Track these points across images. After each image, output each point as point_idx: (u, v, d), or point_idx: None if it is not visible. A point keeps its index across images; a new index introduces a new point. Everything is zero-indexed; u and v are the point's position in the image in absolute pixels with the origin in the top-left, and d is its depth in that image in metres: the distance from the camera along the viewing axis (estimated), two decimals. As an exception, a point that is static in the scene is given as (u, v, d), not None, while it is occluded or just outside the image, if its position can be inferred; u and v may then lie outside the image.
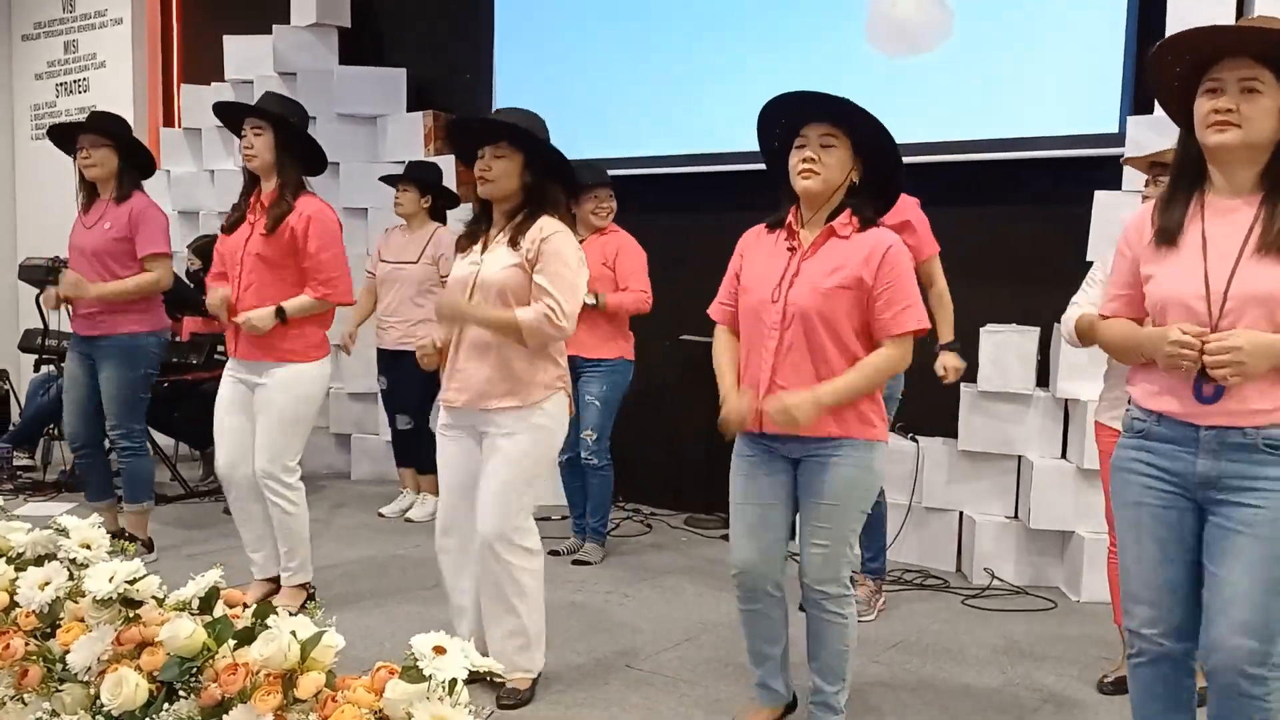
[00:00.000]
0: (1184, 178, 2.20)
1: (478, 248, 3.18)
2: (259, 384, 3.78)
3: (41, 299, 4.58)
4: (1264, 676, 2.07)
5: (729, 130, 5.20)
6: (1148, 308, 2.24)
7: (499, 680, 3.11)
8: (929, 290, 3.89)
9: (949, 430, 4.73)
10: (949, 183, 4.78)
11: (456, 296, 3.09)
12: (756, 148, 2.81)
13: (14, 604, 2.10)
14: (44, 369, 6.18)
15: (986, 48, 4.69)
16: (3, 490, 5.75)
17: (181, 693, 1.79)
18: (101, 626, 1.93)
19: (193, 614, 1.89)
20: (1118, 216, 4.18)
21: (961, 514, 4.72)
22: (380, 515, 5.51)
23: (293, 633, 1.74)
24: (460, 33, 6.44)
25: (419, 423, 5.37)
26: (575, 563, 4.67)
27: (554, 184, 3.16)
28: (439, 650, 1.65)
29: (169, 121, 7.63)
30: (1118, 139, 4.36)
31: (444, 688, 1.61)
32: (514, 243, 3.08)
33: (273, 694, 1.68)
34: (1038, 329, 4.53)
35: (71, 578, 2.08)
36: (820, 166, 2.61)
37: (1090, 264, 4.39)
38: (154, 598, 1.95)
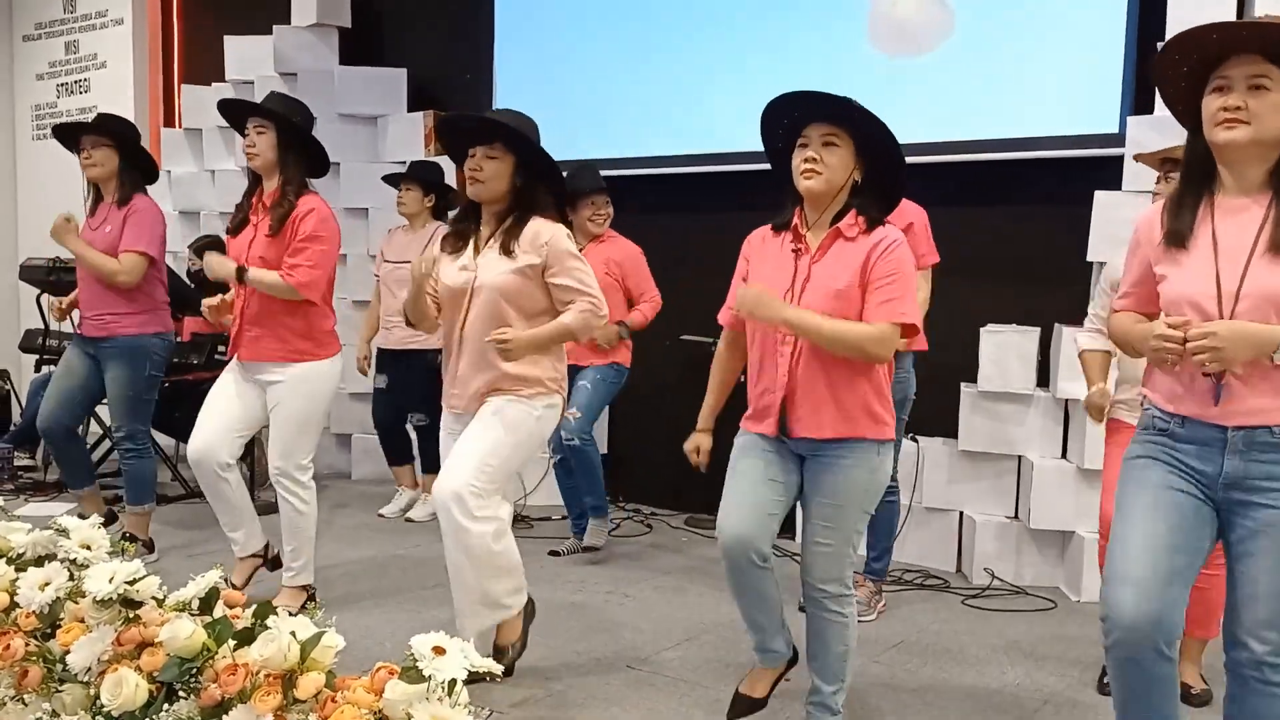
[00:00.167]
0: (1193, 178, 2.20)
1: (468, 250, 3.16)
2: (271, 382, 3.76)
3: (48, 310, 4.58)
4: None
5: (730, 130, 5.20)
6: (1163, 308, 2.23)
7: (499, 680, 3.11)
8: None
9: (949, 430, 4.73)
10: (949, 183, 4.78)
11: (516, 335, 3.01)
12: (757, 148, 2.80)
13: (14, 604, 2.11)
14: (45, 369, 6.19)
15: (987, 48, 4.69)
16: (3, 490, 5.75)
17: (181, 693, 1.79)
18: (101, 627, 1.94)
19: (193, 614, 1.90)
20: (1118, 216, 4.18)
21: (962, 514, 4.72)
22: (380, 516, 5.52)
23: (292, 633, 1.74)
24: (460, 33, 6.45)
25: (434, 420, 5.35)
26: (585, 549, 4.72)
27: (543, 188, 3.16)
28: (438, 651, 1.65)
29: (170, 122, 7.63)
30: (1118, 139, 4.36)
31: (443, 688, 1.61)
32: (506, 249, 3.08)
33: (272, 694, 1.69)
34: (1038, 329, 4.53)
35: (72, 578, 2.08)
36: (823, 167, 2.60)
37: (1091, 264, 4.41)
38: (154, 598, 1.95)
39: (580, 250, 4.47)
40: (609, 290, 4.56)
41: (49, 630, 2.05)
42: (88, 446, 4.95)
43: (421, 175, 5.34)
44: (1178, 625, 2.14)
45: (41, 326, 6.15)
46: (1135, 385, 3.20)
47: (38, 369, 6.21)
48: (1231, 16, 4.02)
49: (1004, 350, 4.53)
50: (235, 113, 3.85)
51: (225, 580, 2.02)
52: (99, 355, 4.35)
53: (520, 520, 5.03)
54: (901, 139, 2.67)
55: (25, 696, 1.99)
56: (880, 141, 2.64)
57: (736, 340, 2.89)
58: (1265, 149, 2.10)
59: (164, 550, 4.71)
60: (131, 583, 1.93)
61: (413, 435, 5.57)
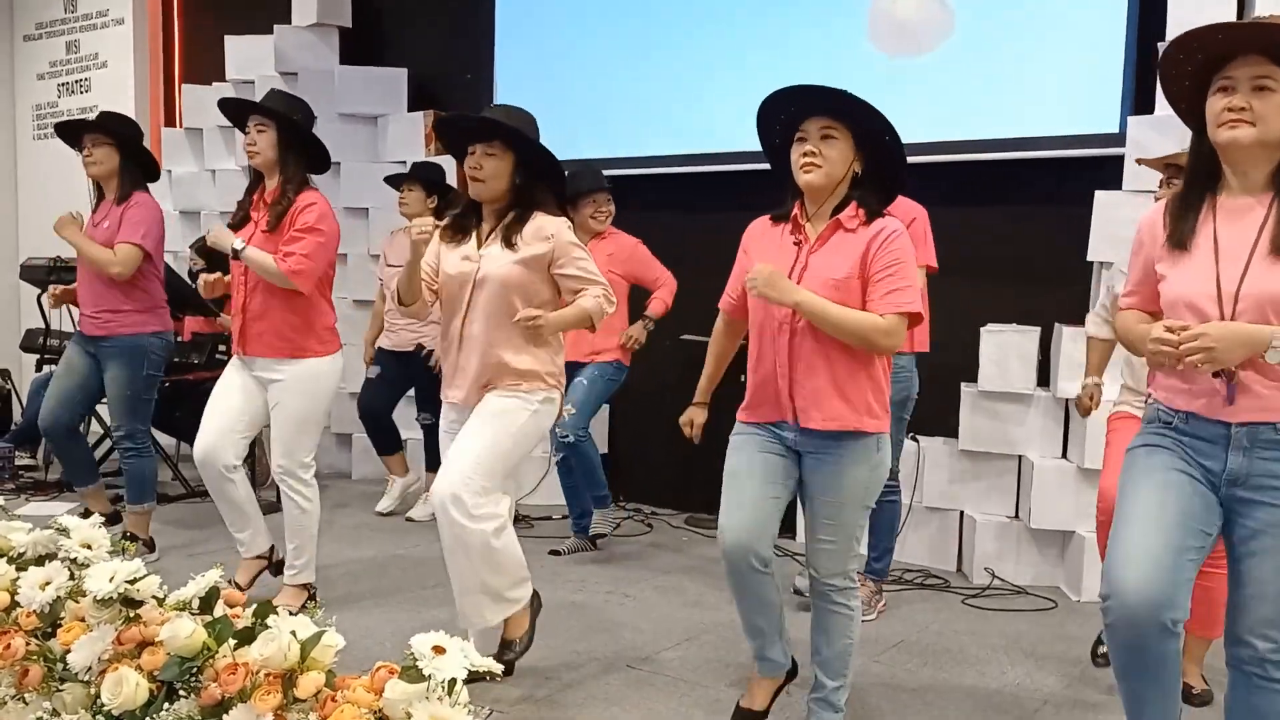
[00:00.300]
0: (1197, 179, 2.21)
1: (470, 242, 3.17)
2: (272, 380, 3.77)
3: (42, 299, 4.59)
4: None
5: (730, 130, 5.20)
6: (1164, 308, 2.24)
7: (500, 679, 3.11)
8: None
9: (950, 430, 4.73)
10: (950, 182, 4.77)
11: (536, 317, 3.03)
12: (757, 147, 2.81)
13: (15, 604, 2.11)
14: (46, 368, 6.19)
15: (987, 47, 4.69)
16: (4, 490, 5.75)
17: (182, 692, 1.80)
18: (102, 626, 1.94)
19: (193, 614, 1.90)
20: (1119, 216, 4.18)
21: (962, 514, 4.72)
22: (377, 514, 5.52)
23: (292, 633, 1.74)
24: (461, 32, 6.45)
25: (439, 419, 5.34)
26: (593, 536, 4.76)
27: (543, 186, 3.17)
28: (438, 650, 1.66)
29: (170, 121, 7.63)
30: (1118, 139, 4.36)
31: (443, 687, 1.61)
32: (509, 242, 3.09)
33: (272, 694, 1.69)
34: (1038, 329, 4.53)
35: (72, 577, 2.09)
36: (821, 160, 2.61)
37: (1091, 264, 4.41)
38: (154, 597, 1.95)
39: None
40: (614, 286, 4.59)
41: (50, 629, 2.05)
42: (89, 445, 4.94)
43: (423, 175, 5.34)
44: (1184, 604, 2.10)
45: (42, 326, 6.15)
46: (1138, 393, 3.22)
47: (38, 368, 6.21)
48: (1232, 16, 4.02)
49: (1004, 350, 4.53)
50: (236, 111, 3.85)
51: (231, 582, 2.02)
52: (98, 354, 4.36)
53: (520, 520, 5.03)
54: (902, 138, 2.68)
55: (26, 695, 2.00)
56: (879, 133, 2.64)
57: (734, 325, 2.92)
58: (1269, 150, 2.11)
59: (164, 549, 4.71)
60: (132, 582, 1.93)
61: (415, 432, 5.58)
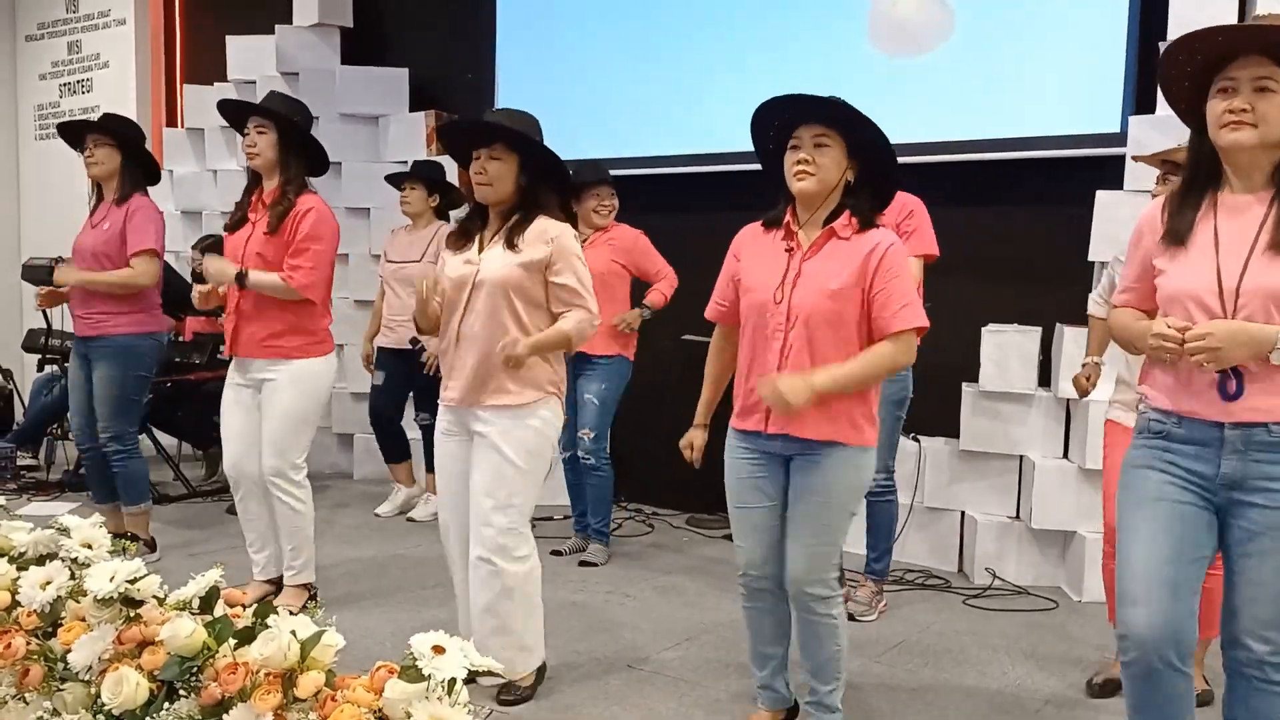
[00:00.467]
0: (1197, 177, 2.21)
1: (473, 246, 3.18)
2: (264, 380, 3.78)
3: (39, 290, 4.57)
4: None
5: (731, 130, 5.16)
6: (1159, 302, 2.24)
7: (498, 675, 3.11)
8: None
9: (950, 430, 4.73)
10: (951, 182, 4.77)
11: (510, 348, 3.03)
12: (757, 148, 2.81)
13: (16, 603, 2.11)
14: (47, 369, 6.20)
15: (988, 47, 4.69)
16: (6, 490, 5.76)
17: (182, 692, 1.79)
18: (102, 626, 1.93)
19: (193, 613, 1.89)
20: (1120, 216, 4.18)
21: (963, 514, 4.72)
22: (376, 515, 5.52)
23: (293, 632, 1.74)
24: (462, 32, 6.45)
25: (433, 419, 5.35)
26: (581, 564, 4.67)
27: (549, 187, 3.17)
28: (438, 650, 1.65)
29: (172, 122, 7.64)
30: (1119, 138, 4.36)
31: (443, 687, 1.61)
32: (511, 244, 3.09)
33: (272, 693, 1.69)
34: (1039, 329, 4.53)
35: (73, 577, 2.08)
36: (815, 168, 2.62)
37: (1092, 264, 4.41)
38: (154, 597, 1.95)
39: (585, 241, 4.52)
40: (617, 279, 4.61)
41: (50, 629, 2.05)
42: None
43: (425, 174, 5.35)
44: (1191, 637, 2.15)
45: (44, 326, 6.15)
46: (1134, 388, 3.20)
47: (40, 369, 6.22)
48: (1233, 16, 4.02)
49: (1005, 350, 4.53)
50: (236, 113, 3.86)
51: (244, 584, 2.02)
52: (89, 354, 4.36)
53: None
54: (903, 139, 2.69)
55: (26, 695, 1.99)
56: (871, 141, 2.65)
57: (730, 335, 2.90)
58: (1270, 150, 2.11)
59: (165, 549, 4.72)
60: (132, 582, 1.92)
61: (417, 434, 5.58)
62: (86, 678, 1.92)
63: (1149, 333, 2.13)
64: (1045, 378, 4.58)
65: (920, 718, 3.16)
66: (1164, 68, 2.19)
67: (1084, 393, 3.54)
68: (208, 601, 1.92)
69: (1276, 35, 2.04)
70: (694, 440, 2.98)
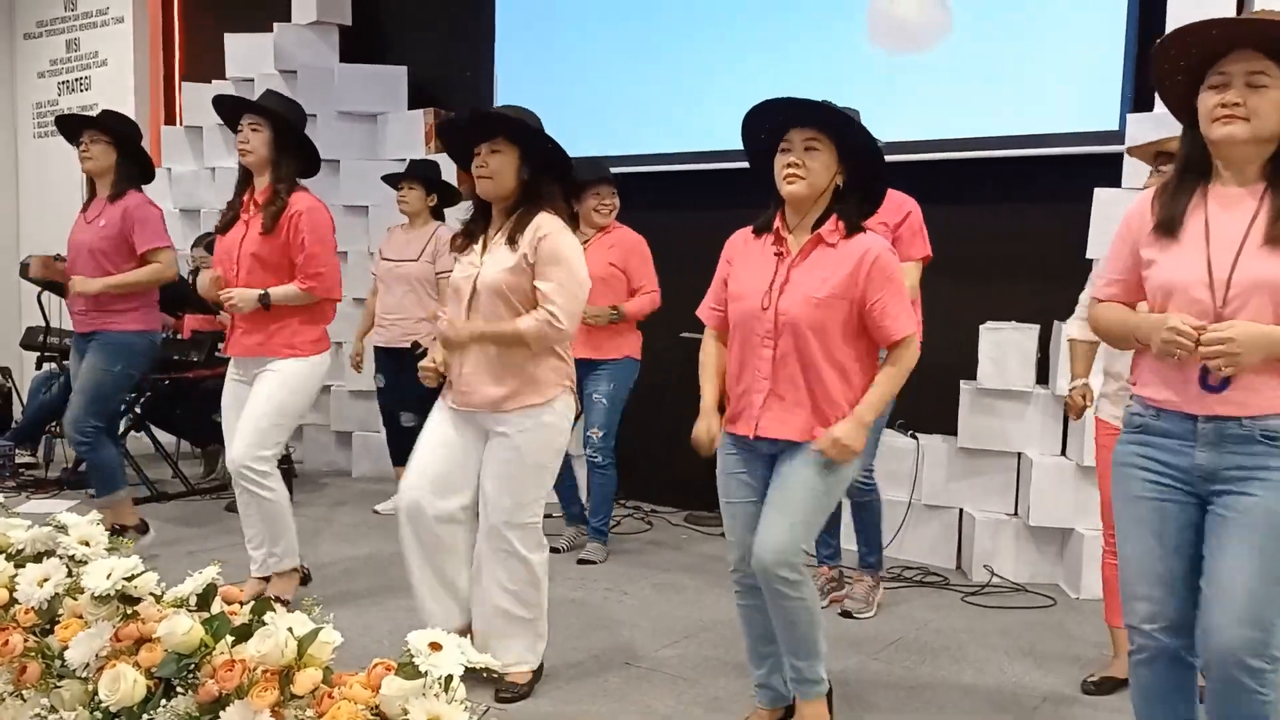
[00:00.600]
0: (1189, 170, 2.20)
1: (477, 248, 3.17)
2: (259, 374, 3.79)
3: (29, 262, 4.55)
4: (1262, 669, 2.05)
5: (731, 128, 5.15)
6: (1148, 294, 2.23)
7: (497, 675, 3.11)
8: None
9: (949, 428, 4.73)
10: (949, 180, 4.78)
11: (455, 324, 3.06)
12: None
13: (13, 600, 2.11)
14: (46, 366, 6.20)
15: (987, 45, 4.69)
16: (5, 488, 5.76)
17: (179, 689, 1.79)
18: (100, 623, 1.94)
19: (190, 611, 1.89)
20: (1118, 214, 4.09)
21: (961, 511, 4.72)
22: (375, 512, 5.52)
23: (290, 630, 1.74)
24: (461, 30, 6.45)
25: (422, 421, 5.34)
26: (580, 561, 4.67)
27: (551, 179, 3.16)
28: (435, 647, 1.65)
29: (170, 119, 7.64)
30: (1118, 136, 4.36)
31: (440, 684, 1.62)
32: (512, 241, 3.08)
33: (270, 690, 1.68)
34: (1037, 326, 4.53)
35: (70, 574, 2.08)
36: (805, 171, 2.63)
37: (1090, 261, 4.41)
38: (152, 594, 1.95)
39: (587, 241, 4.51)
40: (617, 282, 4.59)
41: (48, 626, 2.05)
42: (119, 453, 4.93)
43: (423, 174, 5.35)
44: (1192, 626, 2.17)
45: (43, 324, 6.16)
46: (1119, 380, 3.20)
47: (39, 366, 6.22)
48: (1231, 11, 4.02)
49: (1003, 348, 4.53)
50: (230, 110, 3.86)
51: (241, 581, 2.02)
52: (87, 350, 4.37)
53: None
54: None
55: (24, 692, 2.00)
56: (862, 146, 2.65)
57: (722, 337, 2.90)
58: (1262, 145, 2.10)
59: (163, 546, 4.71)
60: (129, 579, 1.93)
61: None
62: (84, 675, 1.92)
63: (1163, 325, 2.08)
64: (1043, 375, 4.58)
65: (918, 715, 3.17)
66: (1157, 61, 2.19)
67: (1081, 411, 3.52)
68: (205, 599, 1.92)
69: (1270, 29, 2.04)
70: (710, 425, 2.83)
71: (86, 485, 4.93)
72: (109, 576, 1.93)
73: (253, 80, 6.62)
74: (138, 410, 5.87)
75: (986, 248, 4.76)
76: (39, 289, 5.88)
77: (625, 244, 4.65)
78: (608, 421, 4.61)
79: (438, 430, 3.23)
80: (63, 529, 2.19)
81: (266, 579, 3.96)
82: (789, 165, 2.63)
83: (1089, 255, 4.36)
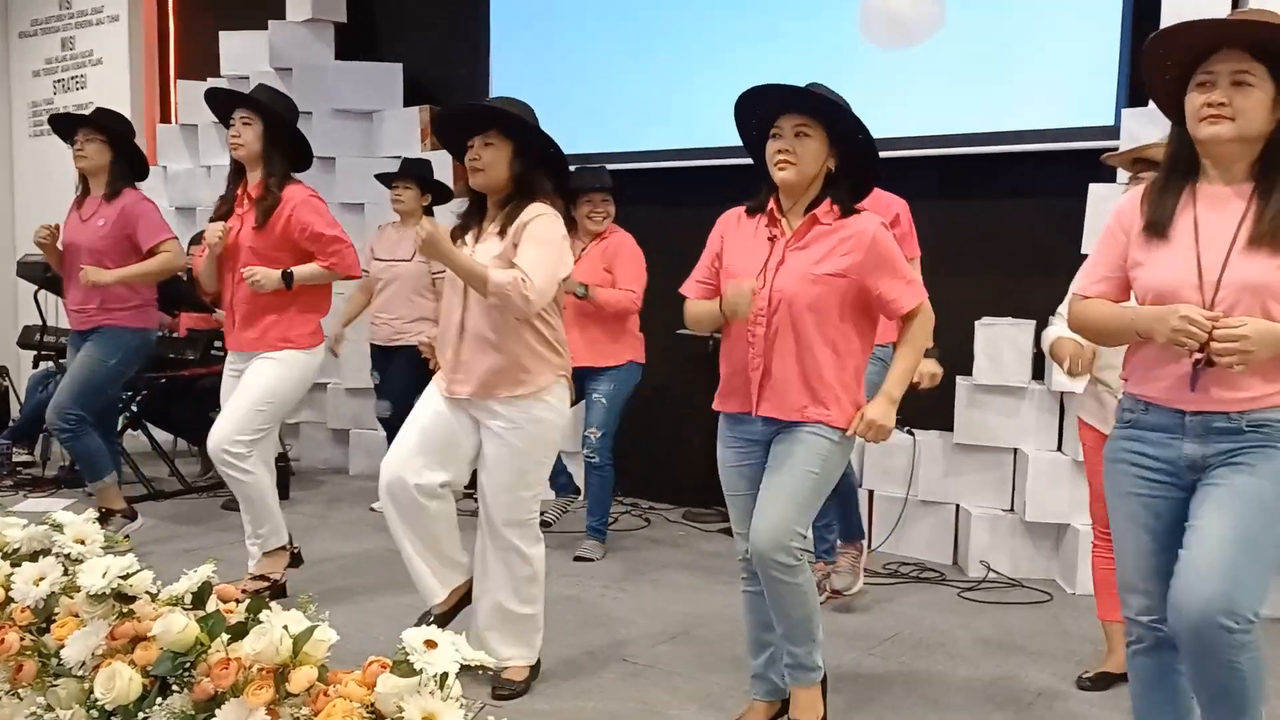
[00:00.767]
0: (1177, 171, 2.21)
1: (470, 238, 3.18)
2: (250, 365, 3.81)
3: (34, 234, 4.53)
4: (1230, 629, 2.01)
5: (727, 124, 5.17)
6: (1137, 293, 2.24)
7: (493, 671, 3.12)
8: None
9: (944, 423, 4.73)
10: (943, 175, 4.78)
11: (439, 235, 3.00)
12: (749, 142, 2.82)
13: (9, 599, 2.12)
14: (43, 365, 6.20)
15: (981, 40, 4.69)
16: (2, 486, 5.77)
17: (175, 687, 1.80)
18: (95, 621, 1.94)
19: (186, 609, 1.90)
20: (1112, 209, 4.17)
21: (957, 507, 4.73)
22: (372, 510, 5.52)
23: (285, 628, 1.75)
24: (456, 27, 6.44)
25: (398, 412, 5.30)
26: (577, 559, 4.67)
27: (544, 172, 3.17)
28: (430, 644, 1.66)
29: (165, 117, 7.63)
30: (1113, 131, 4.36)
31: (435, 681, 1.62)
32: (503, 232, 3.09)
33: (265, 688, 1.69)
34: (1033, 322, 4.53)
35: (66, 573, 2.09)
36: (795, 157, 2.64)
37: (1085, 257, 4.41)
38: (147, 593, 1.96)
39: (583, 250, 4.52)
40: (607, 285, 4.58)
41: (44, 625, 2.06)
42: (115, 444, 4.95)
43: (418, 173, 5.35)
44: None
45: (39, 323, 6.16)
46: (1099, 378, 3.18)
47: (36, 365, 6.22)
48: (1225, 9, 4.02)
49: (998, 343, 4.53)
50: (224, 104, 3.86)
51: (238, 579, 2.03)
52: (84, 347, 4.38)
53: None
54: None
55: (20, 691, 2.00)
56: (852, 132, 2.66)
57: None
58: (1249, 144, 2.11)
59: (160, 544, 4.72)
60: (125, 578, 1.93)
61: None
62: (80, 673, 1.92)
63: (1172, 315, 2.06)
64: (1039, 371, 4.58)
65: (914, 710, 3.17)
66: (1146, 61, 2.20)
67: (1078, 368, 3.20)
68: (200, 597, 1.93)
69: (1256, 30, 2.05)
70: (739, 288, 2.67)
71: (84, 484, 4.92)
72: (104, 575, 1.93)
73: (248, 78, 6.59)
74: (134, 409, 5.87)
75: (981, 243, 4.76)
76: (36, 288, 5.88)
77: (613, 244, 4.65)
78: (606, 421, 4.61)
79: (426, 410, 3.22)
80: (58, 528, 2.20)
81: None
82: (780, 151, 2.65)
83: (1084, 251, 4.36)
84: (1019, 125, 4.63)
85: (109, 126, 4.38)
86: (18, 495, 5.60)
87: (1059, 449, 4.50)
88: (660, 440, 5.60)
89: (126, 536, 2.56)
